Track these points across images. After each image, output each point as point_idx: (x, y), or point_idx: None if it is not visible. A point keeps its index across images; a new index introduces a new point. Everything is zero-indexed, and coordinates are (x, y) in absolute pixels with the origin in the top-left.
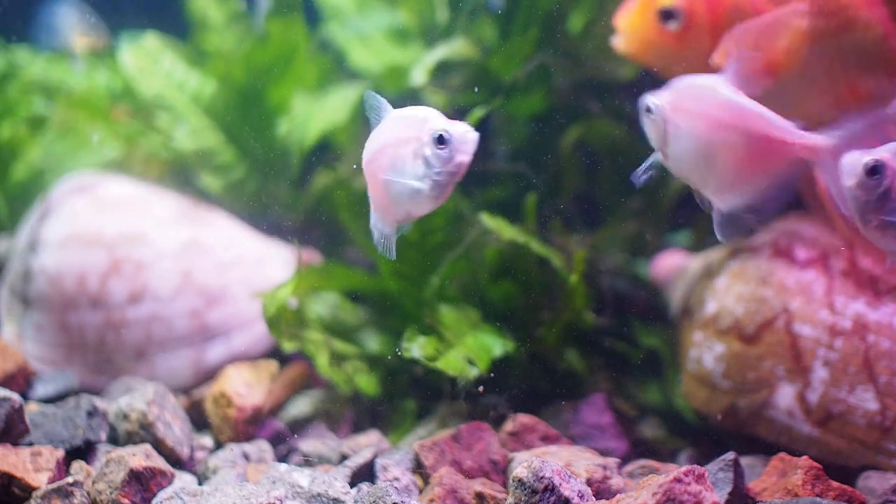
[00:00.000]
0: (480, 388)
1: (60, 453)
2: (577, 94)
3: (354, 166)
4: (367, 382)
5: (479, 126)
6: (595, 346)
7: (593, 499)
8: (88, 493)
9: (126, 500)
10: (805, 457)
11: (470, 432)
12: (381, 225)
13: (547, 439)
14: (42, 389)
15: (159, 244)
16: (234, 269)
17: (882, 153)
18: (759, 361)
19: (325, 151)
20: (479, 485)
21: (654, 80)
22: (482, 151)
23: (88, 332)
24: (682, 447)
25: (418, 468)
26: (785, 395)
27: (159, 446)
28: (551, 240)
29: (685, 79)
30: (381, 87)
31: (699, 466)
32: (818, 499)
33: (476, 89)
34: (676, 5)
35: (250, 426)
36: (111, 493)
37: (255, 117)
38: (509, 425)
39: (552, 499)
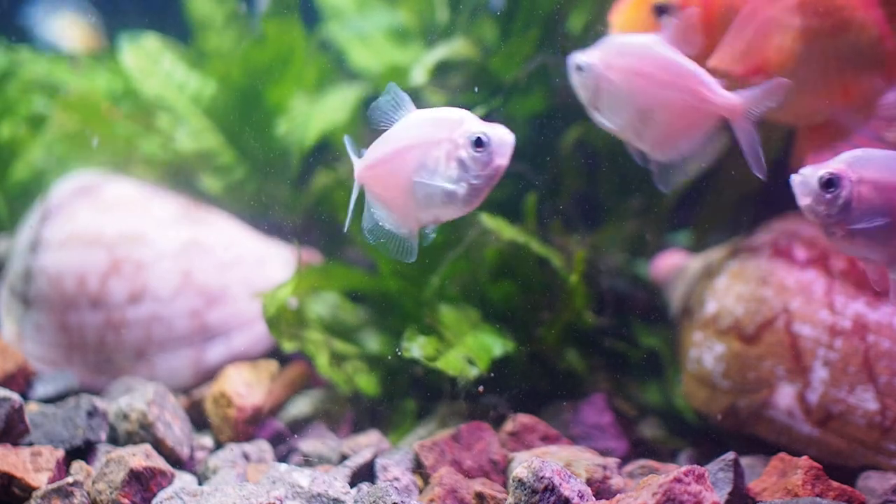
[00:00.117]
0: (480, 388)
1: (60, 453)
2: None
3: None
4: (367, 382)
5: None
6: (595, 346)
7: (593, 499)
8: (88, 493)
9: (126, 500)
10: (805, 457)
11: (470, 432)
12: (402, 228)
13: (547, 439)
14: (42, 389)
15: (159, 244)
16: (234, 269)
17: (836, 165)
18: (759, 361)
19: (324, 151)
20: (479, 485)
21: None
22: None
23: (88, 332)
24: (682, 447)
25: (418, 468)
26: (785, 395)
27: (159, 446)
28: (551, 240)
29: (616, 37)
30: (380, 87)
31: (699, 466)
32: (818, 499)
33: (476, 89)
34: (670, 1)
35: (250, 426)
36: (111, 493)
37: (254, 118)
38: (509, 425)
39: (552, 499)
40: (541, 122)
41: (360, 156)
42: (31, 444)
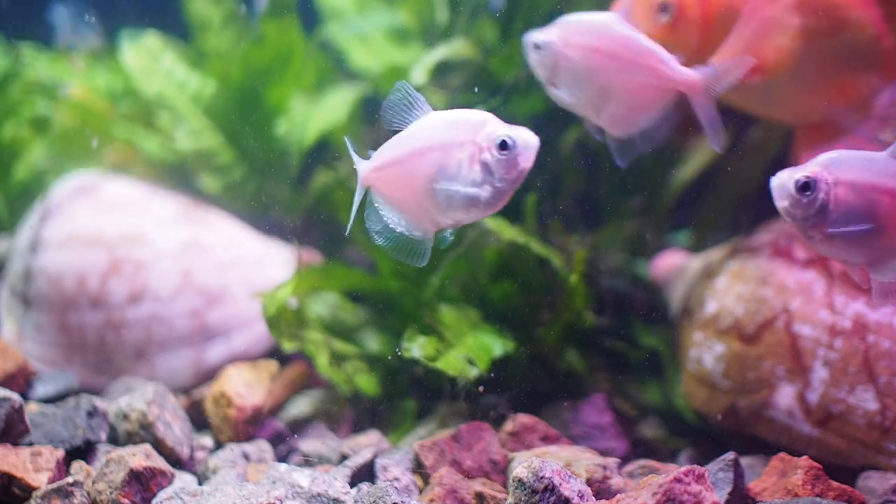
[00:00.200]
0: (480, 388)
1: (60, 453)
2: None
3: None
4: (367, 382)
5: None
6: (595, 346)
7: (593, 499)
8: (88, 493)
9: (126, 500)
10: (805, 457)
11: (470, 432)
12: (416, 230)
13: (547, 439)
14: (42, 389)
15: (159, 244)
16: (234, 269)
17: (812, 167)
18: (759, 361)
19: (324, 151)
20: (479, 485)
21: None
22: None
23: (88, 332)
24: (682, 447)
25: (418, 468)
26: (785, 395)
27: (159, 446)
28: (551, 240)
29: (572, 16)
30: (380, 87)
31: (699, 466)
32: (818, 499)
33: (476, 89)
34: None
35: (250, 426)
36: (111, 493)
37: (254, 117)
38: (509, 425)
39: (552, 499)
40: (541, 123)
41: (361, 156)
42: (31, 444)
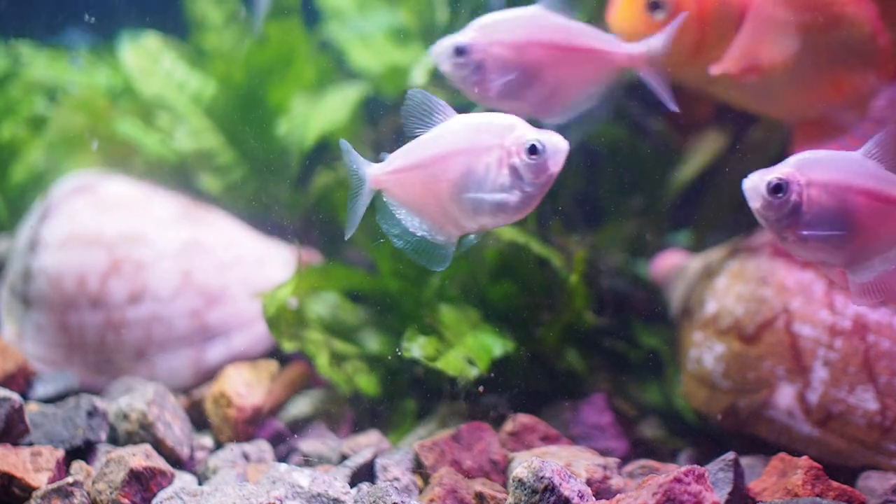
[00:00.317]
0: (480, 388)
1: (60, 453)
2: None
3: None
4: (367, 382)
5: None
6: (595, 346)
7: (593, 499)
8: (88, 493)
9: (126, 500)
10: (805, 457)
11: (470, 432)
12: (438, 235)
13: (547, 439)
14: (42, 389)
15: (159, 244)
16: (234, 269)
17: (784, 168)
18: (759, 361)
19: (324, 151)
20: (479, 485)
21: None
22: None
23: (88, 332)
24: (682, 447)
25: (418, 468)
26: (785, 395)
27: (159, 446)
28: (551, 240)
29: (489, 16)
30: (381, 87)
31: (699, 466)
32: (818, 499)
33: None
34: None
35: (250, 426)
36: (111, 493)
37: (254, 118)
38: (509, 425)
39: (552, 499)
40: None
41: (349, 160)
42: (31, 444)
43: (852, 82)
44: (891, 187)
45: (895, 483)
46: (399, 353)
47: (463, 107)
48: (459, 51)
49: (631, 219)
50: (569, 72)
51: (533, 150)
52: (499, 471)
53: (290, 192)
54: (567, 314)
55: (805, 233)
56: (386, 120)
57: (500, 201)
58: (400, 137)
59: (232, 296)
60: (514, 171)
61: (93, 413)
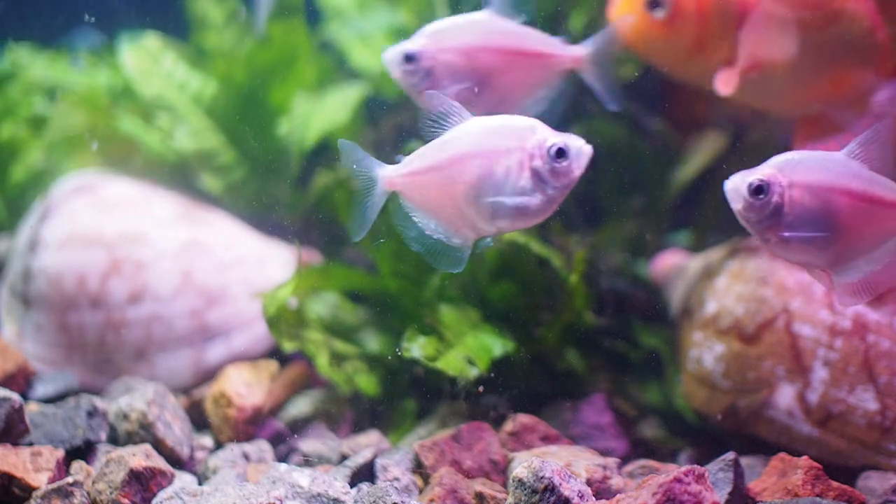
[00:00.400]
0: (480, 388)
1: (60, 453)
2: (577, 94)
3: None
4: (367, 382)
5: None
6: (595, 346)
7: (593, 499)
8: (88, 493)
9: (126, 500)
10: (805, 457)
11: (470, 432)
12: (455, 238)
13: (547, 439)
14: (42, 389)
15: (159, 244)
16: (234, 269)
17: (766, 170)
18: (759, 361)
19: (325, 151)
20: (479, 485)
21: (654, 80)
22: None
23: (88, 332)
24: (682, 447)
25: (418, 468)
26: (785, 395)
27: (159, 446)
28: (551, 240)
29: (438, 23)
30: (381, 87)
31: (699, 466)
32: (818, 499)
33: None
34: None
35: (250, 426)
36: (111, 493)
37: (255, 118)
38: (509, 425)
39: (552, 499)
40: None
41: (357, 161)
42: (31, 444)
43: (852, 78)
44: (875, 187)
45: (895, 483)
46: (399, 353)
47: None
48: (409, 58)
49: (631, 219)
50: (517, 76)
51: (560, 153)
52: (499, 471)
53: (291, 192)
54: (567, 314)
55: (787, 234)
56: (386, 120)
57: (520, 204)
58: (400, 137)
59: (232, 296)
60: (536, 174)
61: (93, 413)
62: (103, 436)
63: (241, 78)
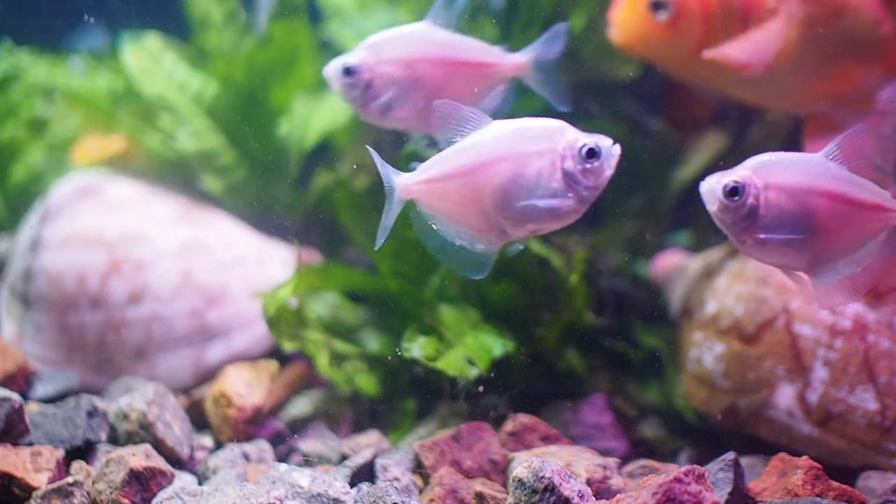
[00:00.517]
0: (480, 388)
1: (60, 453)
2: (577, 94)
3: (355, 166)
4: (367, 382)
5: None
6: (595, 346)
7: (593, 499)
8: (88, 493)
9: (126, 500)
10: (805, 457)
11: (470, 432)
12: (479, 243)
13: (547, 439)
14: (42, 389)
15: (159, 244)
16: (234, 269)
17: (742, 171)
18: (759, 361)
19: (325, 151)
20: (479, 485)
21: (653, 81)
22: None
23: (88, 332)
24: (682, 447)
25: (418, 468)
26: (785, 395)
27: (159, 446)
28: (551, 240)
29: (378, 35)
30: None
31: (699, 466)
32: (818, 499)
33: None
34: None
35: (250, 426)
36: (111, 493)
37: (256, 118)
38: (509, 425)
39: (552, 499)
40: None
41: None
42: (31, 444)
43: (858, 72)
44: (853, 189)
45: (895, 483)
46: (399, 353)
47: None
48: (348, 71)
49: (631, 219)
50: (458, 86)
51: (592, 153)
52: (499, 471)
53: (291, 192)
54: (567, 314)
55: (763, 236)
56: None
57: (553, 207)
58: (399, 139)
59: (232, 296)
60: (568, 175)
61: (93, 413)
62: (103, 436)
63: (242, 78)
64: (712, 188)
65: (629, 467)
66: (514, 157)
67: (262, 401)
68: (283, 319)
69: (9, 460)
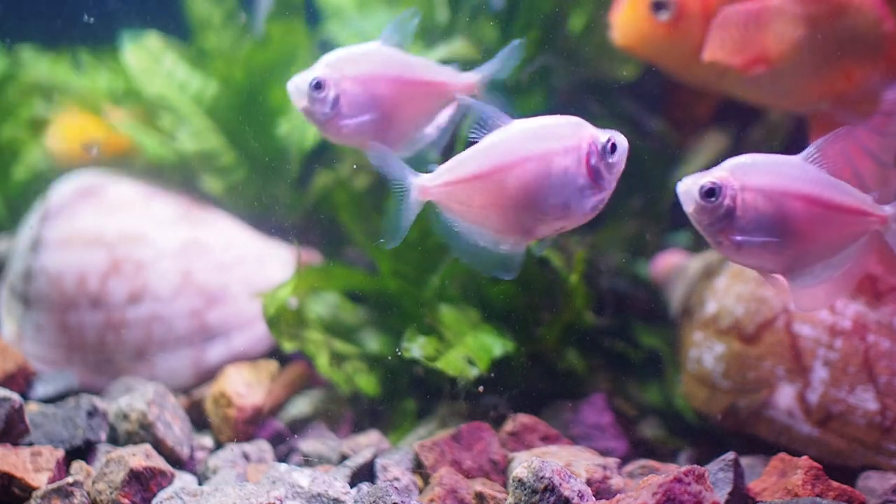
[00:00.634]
0: (480, 388)
1: (60, 453)
2: (578, 94)
3: (355, 166)
4: (367, 382)
5: None
6: (595, 346)
7: (593, 499)
8: (88, 493)
9: (126, 500)
10: (805, 457)
11: (470, 432)
12: (504, 244)
13: (547, 439)
14: (42, 389)
15: (159, 244)
16: (234, 269)
17: (718, 172)
18: (759, 361)
19: (325, 151)
20: (479, 485)
21: (653, 81)
22: None
23: (88, 332)
24: (682, 447)
25: (418, 468)
26: (785, 395)
27: (159, 446)
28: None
29: (337, 51)
30: None
31: (699, 466)
32: (818, 499)
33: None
34: None
35: (250, 426)
36: (111, 493)
37: (256, 118)
38: (509, 425)
39: (552, 499)
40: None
41: (388, 167)
42: (31, 444)
43: (860, 73)
44: (832, 192)
45: (895, 483)
46: (399, 353)
47: None
48: (318, 85)
49: (631, 219)
50: (412, 105)
51: (613, 148)
52: (499, 471)
53: (291, 193)
54: (567, 314)
55: (739, 238)
56: None
57: (581, 203)
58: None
59: (232, 296)
60: (593, 171)
61: (93, 413)
62: (103, 436)
63: (241, 78)
64: (689, 189)
65: (629, 467)
66: (539, 156)
67: (262, 401)
68: (283, 319)
69: (9, 460)
